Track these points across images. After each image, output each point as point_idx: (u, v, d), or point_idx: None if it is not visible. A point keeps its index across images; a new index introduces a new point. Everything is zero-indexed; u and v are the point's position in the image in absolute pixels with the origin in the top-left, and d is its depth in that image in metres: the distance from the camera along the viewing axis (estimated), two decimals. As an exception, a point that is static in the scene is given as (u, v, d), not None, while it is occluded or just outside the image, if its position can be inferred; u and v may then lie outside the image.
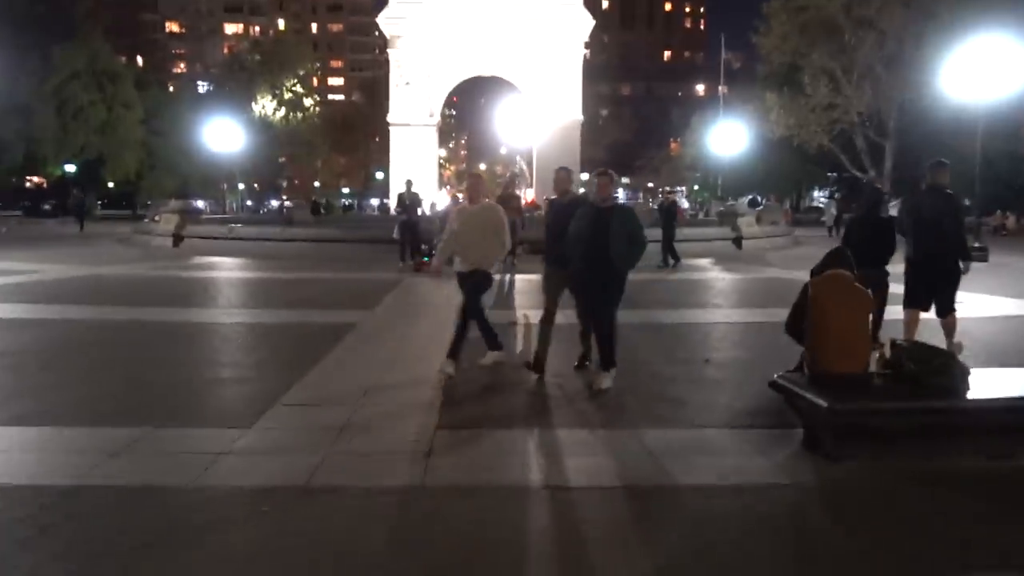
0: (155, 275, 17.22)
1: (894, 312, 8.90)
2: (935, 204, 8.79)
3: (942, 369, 5.67)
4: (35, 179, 72.84)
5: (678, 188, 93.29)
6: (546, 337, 8.18)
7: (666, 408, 6.86)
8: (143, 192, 62.83)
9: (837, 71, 51.42)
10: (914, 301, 8.99)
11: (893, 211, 35.72)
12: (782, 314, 6.57)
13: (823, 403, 5.35)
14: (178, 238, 25.53)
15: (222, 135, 57.65)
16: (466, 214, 8.47)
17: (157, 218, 28.49)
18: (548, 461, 5.50)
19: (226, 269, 18.67)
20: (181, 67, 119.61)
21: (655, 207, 25.81)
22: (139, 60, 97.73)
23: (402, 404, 6.95)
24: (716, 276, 18.11)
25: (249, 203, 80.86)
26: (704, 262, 21.92)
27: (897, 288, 9.04)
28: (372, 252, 20.80)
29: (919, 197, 9.17)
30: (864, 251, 8.77)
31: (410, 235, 19.83)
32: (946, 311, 8.90)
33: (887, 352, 6.03)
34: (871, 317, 6.38)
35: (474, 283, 8.43)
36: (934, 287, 8.89)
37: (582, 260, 7.49)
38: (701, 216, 55.66)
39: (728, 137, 56.37)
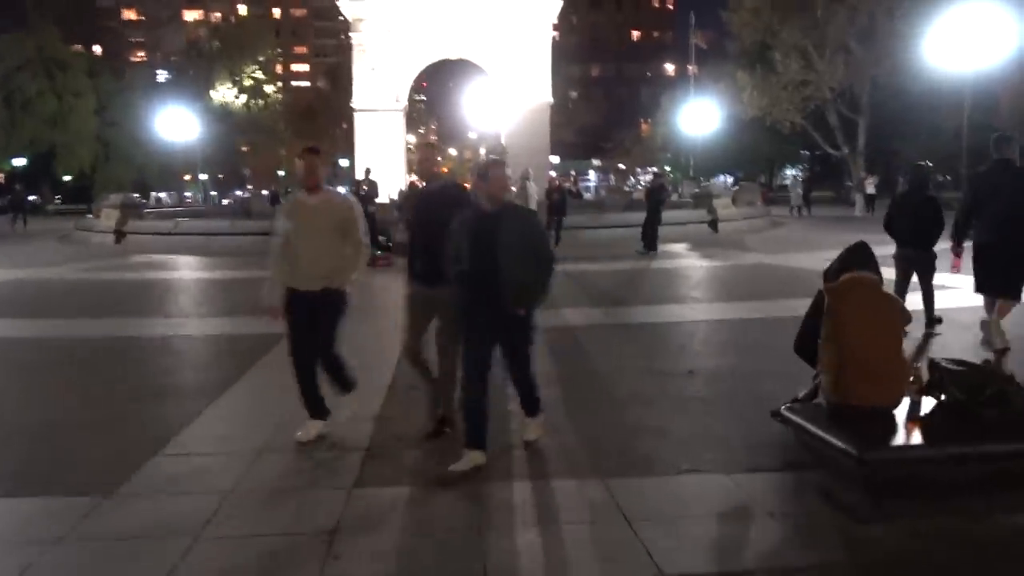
0: (80, 278, 15.65)
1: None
2: (1015, 182, 7.78)
3: (999, 397, 4.37)
4: None
5: (652, 169, 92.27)
6: (428, 384, 6.01)
7: (645, 442, 5.52)
8: (98, 185, 60.48)
9: (809, 47, 50.36)
10: (989, 286, 7.97)
11: (870, 188, 34.87)
12: (771, 308, 5.56)
13: (851, 450, 4.05)
14: (120, 234, 23.85)
15: (178, 124, 55.79)
16: (304, 208, 6.00)
17: (99, 213, 26.68)
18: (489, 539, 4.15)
19: (162, 269, 17.12)
20: (140, 56, 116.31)
21: (639, 188, 24.59)
22: (97, 49, 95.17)
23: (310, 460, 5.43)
24: (694, 264, 16.83)
25: (213, 194, 78.85)
26: (679, 247, 20.69)
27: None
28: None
29: (994, 174, 8.07)
30: (911, 231, 8.59)
31: (366, 226, 18.36)
32: (1015, 295, 7.88)
33: (923, 374, 4.73)
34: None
35: (329, 310, 5.97)
36: (1007, 270, 7.80)
37: (466, 288, 5.23)
38: (673, 198, 54.80)
39: (699, 116, 55.33)
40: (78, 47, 76.01)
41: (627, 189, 53.99)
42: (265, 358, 8.06)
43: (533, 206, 17.77)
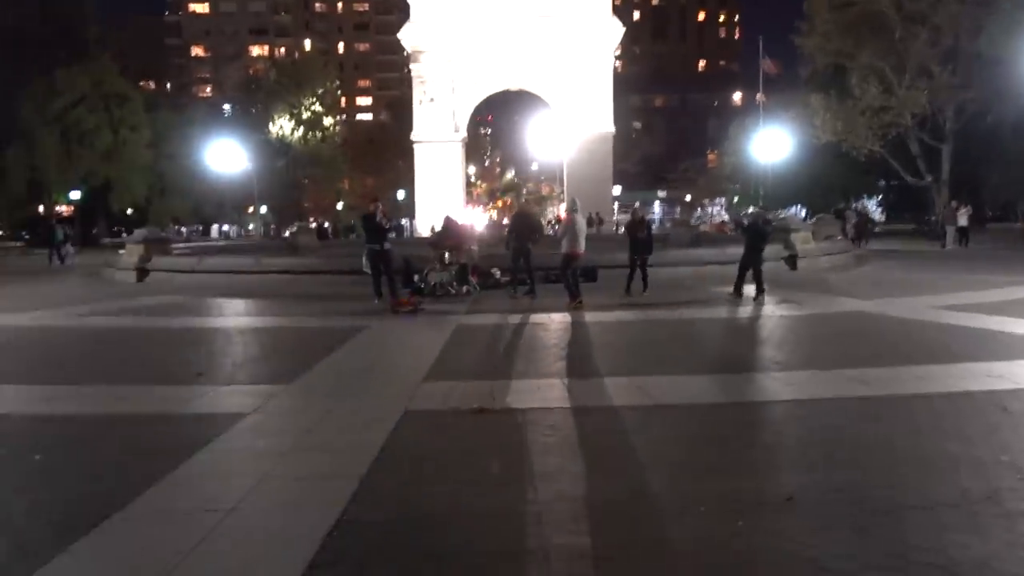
0: (68, 325, 13.78)
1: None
2: None
3: None
4: (63, 208, 70.85)
5: (718, 200, 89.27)
6: None
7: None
8: (153, 218, 60.18)
9: (887, 71, 47.47)
10: None
11: (962, 220, 31.78)
12: (889, 380, 3.75)
13: None
14: (142, 271, 22.28)
15: (233, 157, 55.23)
16: None
17: (122, 250, 25.25)
18: None
19: (164, 314, 15.18)
20: (207, 91, 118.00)
21: (705, 222, 22.03)
22: (167, 85, 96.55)
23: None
24: (774, 312, 14.26)
25: (272, 227, 78.53)
26: (749, 290, 18.10)
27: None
28: (354, 286, 17.30)
29: None
30: None
31: (382, 265, 16.27)
32: None
33: None
34: None
35: None
36: None
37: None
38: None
39: (770, 145, 52.58)
40: (148, 83, 77.07)
41: (693, 222, 51.37)
42: (212, 445, 5.90)
43: (582, 240, 15.42)
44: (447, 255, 17.73)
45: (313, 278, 19.52)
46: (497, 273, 18.94)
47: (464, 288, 17.63)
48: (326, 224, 55.57)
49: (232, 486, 5.28)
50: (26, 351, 11.46)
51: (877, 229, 51.57)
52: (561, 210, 57.54)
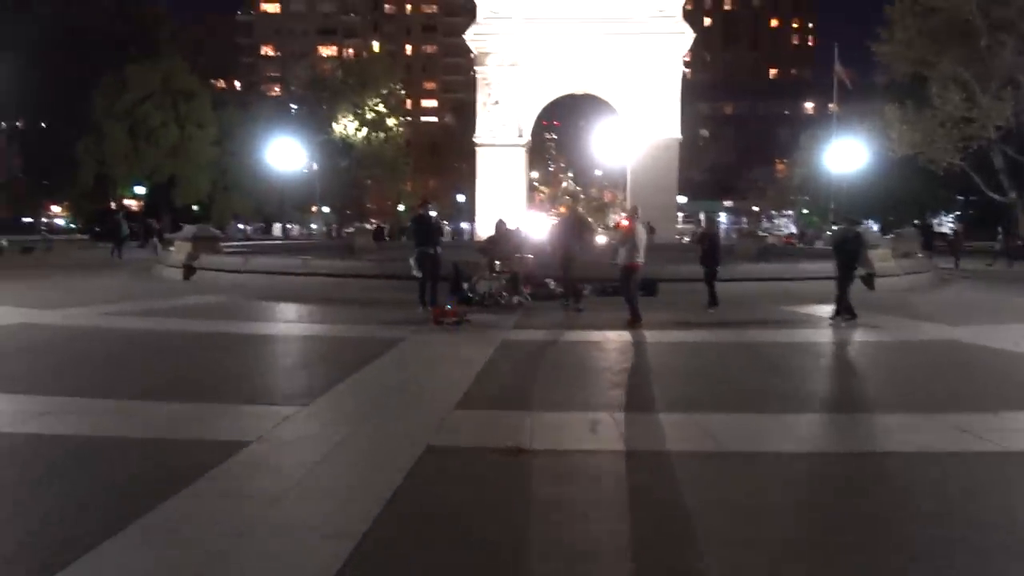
0: (94, 325, 13.09)
1: None
2: None
3: None
4: (131, 202, 71.97)
5: (786, 212, 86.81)
6: None
7: None
8: (216, 214, 60.60)
9: (971, 80, 45.17)
10: None
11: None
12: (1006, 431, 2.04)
13: None
14: (189, 269, 21.75)
15: (294, 155, 55.18)
16: None
17: (171, 247, 24.80)
18: None
19: (197, 317, 14.41)
20: (275, 90, 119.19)
21: (773, 233, 20.57)
22: (236, 84, 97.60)
23: None
24: (856, 337, 12.89)
25: (334, 227, 78.57)
26: (826, 311, 16.70)
27: None
28: (401, 290, 16.42)
29: None
30: None
31: (430, 270, 15.34)
32: None
33: None
34: None
35: None
36: None
37: None
38: (817, 245, 49.88)
39: (843, 156, 50.54)
40: (217, 81, 77.89)
41: (761, 233, 49.50)
42: (203, 480, 4.96)
43: (642, 251, 14.21)
44: (498, 263, 16.67)
45: (359, 282, 18.72)
46: (552, 284, 17.87)
47: (515, 299, 16.54)
48: (383, 225, 55.05)
49: (194, 551, 4.31)
50: (40, 354, 10.74)
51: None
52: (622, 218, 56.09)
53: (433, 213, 17.36)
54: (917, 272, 23.42)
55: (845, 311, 14.59)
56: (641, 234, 14.21)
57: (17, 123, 64.69)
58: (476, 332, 12.81)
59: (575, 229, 17.01)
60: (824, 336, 13.13)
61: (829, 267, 21.34)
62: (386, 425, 6.96)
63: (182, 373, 9.42)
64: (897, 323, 14.32)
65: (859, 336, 12.97)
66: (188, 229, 24.17)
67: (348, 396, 8.17)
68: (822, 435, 6.92)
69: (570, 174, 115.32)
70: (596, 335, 12.69)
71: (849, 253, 14.86)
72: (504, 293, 16.49)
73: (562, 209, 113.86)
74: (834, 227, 19.06)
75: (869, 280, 20.88)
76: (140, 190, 59.51)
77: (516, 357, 10.69)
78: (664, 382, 9.22)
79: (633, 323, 13.54)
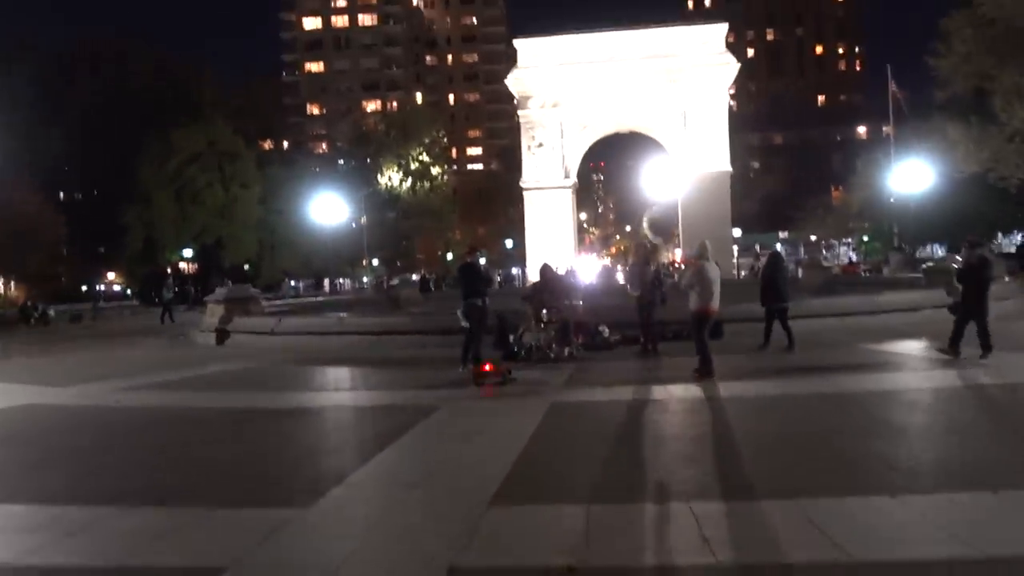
0: (101, 406, 11.82)
1: None
2: None
3: None
4: (184, 265, 72.16)
5: (846, 240, 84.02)
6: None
7: None
8: (264, 273, 60.42)
9: (1038, 92, 42.89)
10: None
11: None
12: None
13: None
14: (222, 333, 20.66)
15: (340, 210, 54.77)
16: None
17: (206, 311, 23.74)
18: None
19: (217, 389, 13.12)
20: (322, 147, 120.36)
21: (838, 262, 18.70)
22: (284, 143, 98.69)
23: None
24: (968, 380, 11.04)
25: (384, 280, 78.00)
26: (916, 347, 14.86)
27: None
28: (441, 346, 15.03)
29: None
30: None
31: (476, 323, 13.89)
32: None
33: None
34: None
35: None
36: None
37: None
38: (884, 273, 47.51)
39: (904, 178, 48.28)
40: (265, 142, 78.67)
41: (826, 264, 47.35)
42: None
43: (716, 293, 12.44)
44: (545, 312, 15.06)
45: (397, 339, 17.37)
46: (606, 331, 16.26)
47: (566, 351, 14.91)
48: (429, 276, 54.12)
49: None
50: (32, 445, 9.47)
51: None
52: (677, 255, 54.48)
53: (483, 260, 15.99)
54: (1005, 299, 21.27)
55: (954, 342, 12.90)
56: (713, 274, 12.44)
57: (62, 193, 65.61)
58: (522, 394, 11.25)
59: (648, 268, 15.66)
60: (933, 381, 11.22)
61: (910, 298, 19.62)
62: (398, 540, 5.43)
63: (172, 464, 8.02)
64: (1010, 360, 12.36)
65: (972, 377, 11.12)
66: (220, 291, 23.15)
67: (358, 495, 6.66)
68: (983, 528, 5.20)
69: (627, 228, 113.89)
70: (660, 392, 11.01)
71: (977, 280, 13.02)
72: (553, 345, 14.88)
73: (614, 250, 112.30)
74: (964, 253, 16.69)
75: (956, 309, 18.94)
76: (188, 252, 59.52)
77: (567, 426, 9.09)
78: (748, 453, 7.53)
79: (703, 375, 11.86)
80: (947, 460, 7.09)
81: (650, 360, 14.56)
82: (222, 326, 20.82)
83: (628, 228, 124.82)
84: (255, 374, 14.94)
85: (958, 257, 19.17)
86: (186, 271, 63.80)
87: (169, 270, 59.75)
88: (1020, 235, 66.51)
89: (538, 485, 6.60)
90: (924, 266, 24.72)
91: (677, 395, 10.74)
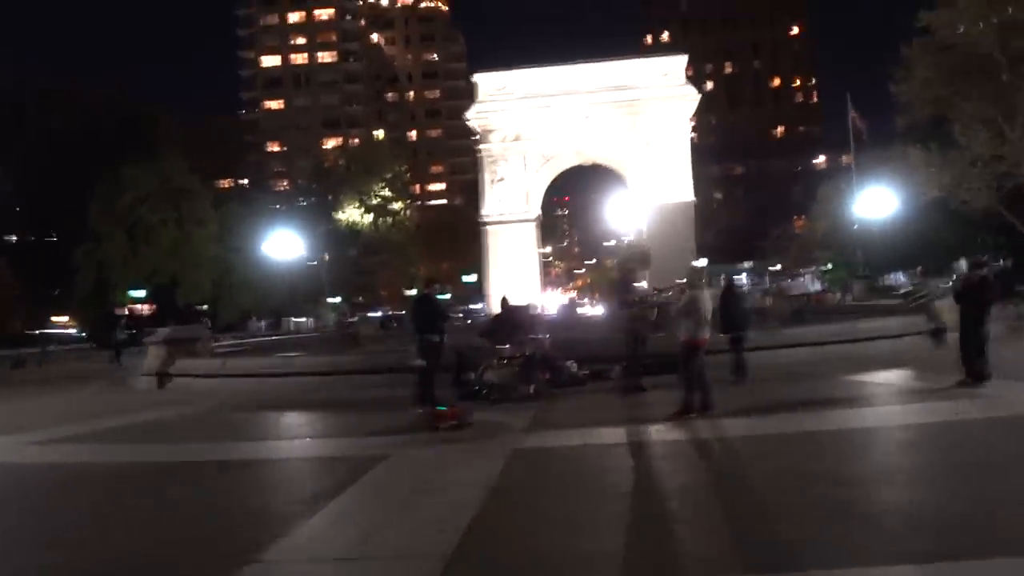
0: (7, 463, 10.51)
1: None
2: None
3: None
4: (142, 306, 69.82)
5: (809, 269, 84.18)
6: None
7: None
8: (221, 312, 58.66)
9: (997, 117, 43.01)
10: None
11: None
12: None
13: None
14: (163, 377, 19.28)
15: (296, 246, 53.46)
16: None
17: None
18: None
19: (145, 440, 11.80)
20: (283, 184, 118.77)
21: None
22: (245, 181, 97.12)
23: None
24: (967, 412, 10.10)
25: (344, 317, 76.48)
26: (899, 377, 13.97)
27: None
28: (397, 385, 13.84)
29: None
30: None
31: (432, 361, 12.77)
32: None
33: None
34: None
35: None
36: None
37: None
38: (848, 300, 47.09)
39: (868, 204, 48.23)
40: (225, 181, 77.16)
41: (797, 292, 46.88)
42: None
43: (706, 323, 11.31)
44: (507, 347, 13.94)
45: (350, 379, 16.16)
46: (573, 367, 15.19)
47: (530, 388, 13.82)
48: (390, 312, 52.87)
49: None
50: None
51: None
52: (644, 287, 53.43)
53: (447, 296, 14.81)
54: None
55: (974, 375, 12.05)
56: (705, 303, 11.27)
57: (14, 237, 63.54)
58: (482, 439, 10.10)
59: (635, 289, 14.24)
60: (930, 415, 10.25)
61: (890, 324, 18.83)
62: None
63: (58, 534, 6.76)
64: (1004, 388, 11.48)
65: (969, 410, 10.18)
66: (161, 331, 21.72)
67: (276, 573, 5.50)
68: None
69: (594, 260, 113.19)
70: (638, 433, 9.88)
71: (977, 301, 12.17)
72: (516, 383, 13.75)
73: (580, 283, 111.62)
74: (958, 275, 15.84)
75: (938, 335, 18.21)
76: (141, 293, 57.66)
77: (531, 477, 7.96)
78: (743, 508, 6.46)
79: (685, 413, 10.77)
80: (950, 513, 6.05)
81: (628, 397, 13.37)
82: (163, 369, 19.42)
83: (593, 261, 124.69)
84: (189, 422, 13.63)
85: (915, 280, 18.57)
86: (142, 312, 61.88)
87: (127, 310, 57.86)
88: (1003, 260, 66.96)
89: (493, 560, 5.47)
90: (903, 291, 24.06)
91: (657, 438, 9.66)
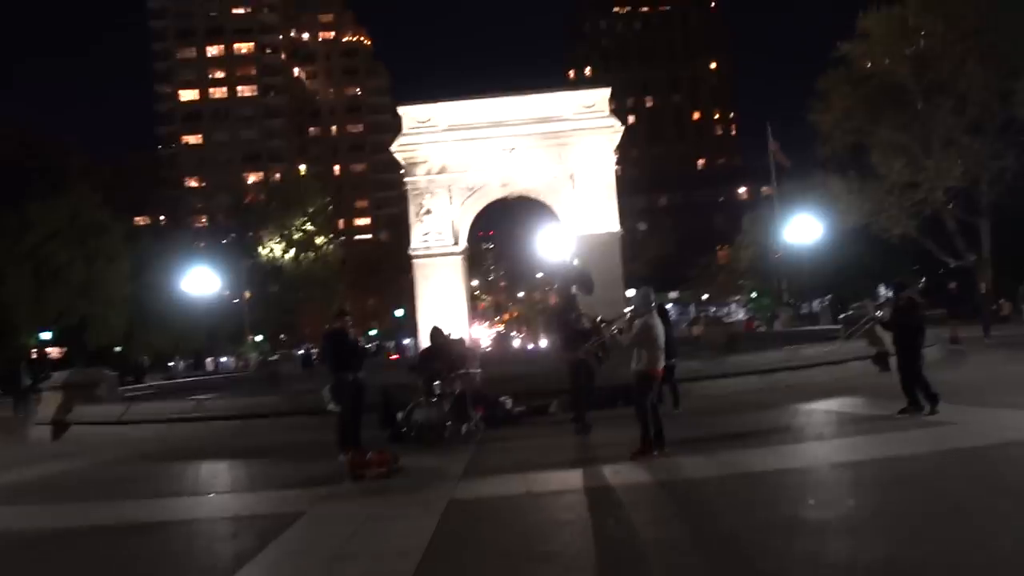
0: None
1: None
2: None
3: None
4: (53, 349, 65.69)
5: (735, 298, 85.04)
6: None
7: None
8: (135, 354, 55.83)
9: (913, 145, 44.06)
10: None
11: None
12: None
13: None
14: (60, 425, 17.56)
15: (213, 284, 51.42)
16: None
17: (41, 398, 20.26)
18: None
19: (18, 502, 10.33)
20: (202, 220, 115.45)
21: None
22: (162, 218, 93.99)
23: None
24: (930, 440, 9.45)
25: (273, 357, 74.20)
26: (850, 404, 13.35)
27: None
28: (320, 428, 12.59)
29: None
30: None
31: (347, 403, 11.61)
32: None
33: None
34: None
35: None
36: None
37: None
38: (776, 326, 47.33)
39: (791, 233, 48.85)
40: (142, 218, 73.95)
41: (728, 321, 46.94)
42: None
43: (661, 351, 10.34)
44: (437, 384, 12.77)
45: (268, 423, 14.85)
46: (508, 403, 14.19)
47: (463, 428, 12.74)
48: (312, 350, 50.99)
49: None
50: None
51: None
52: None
53: (372, 332, 13.55)
54: (928, 345, 20.32)
55: (923, 399, 11.44)
56: (658, 330, 10.27)
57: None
58: (412, 488, 8.97)
59: (576, 318, 13.01)
60: (895, 446, 9.50)
61: (831, 350, 18.36)
62: None
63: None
64: (956, 413, 10.87)
65: (895, 443, 9.47)
66: (57, 376, 19.82)
67: None
68: None
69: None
70: (590, 478, 8.89)
71: (907, 326, 11.64)
72: (448, 423, 12.63)
73: (508, 316, 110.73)
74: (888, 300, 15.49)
75: (881, 360, 17.77)
76: (47, 335, 54.47)
77: (472, 536, 6.83)
78: (726, 568, 5.52)
79: (646, 451, 9.82)
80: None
81: (573, 437, 12.33)
82: (59, 417, 17.68)
83: (521, 294, 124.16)
84: (73, 478, 12.00)
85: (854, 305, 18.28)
86: (51, 356, 58.56)
87: (34, 355, 54.58)
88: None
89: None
90: (843, 316, 23.70)
91: (612, 481, 8.65)
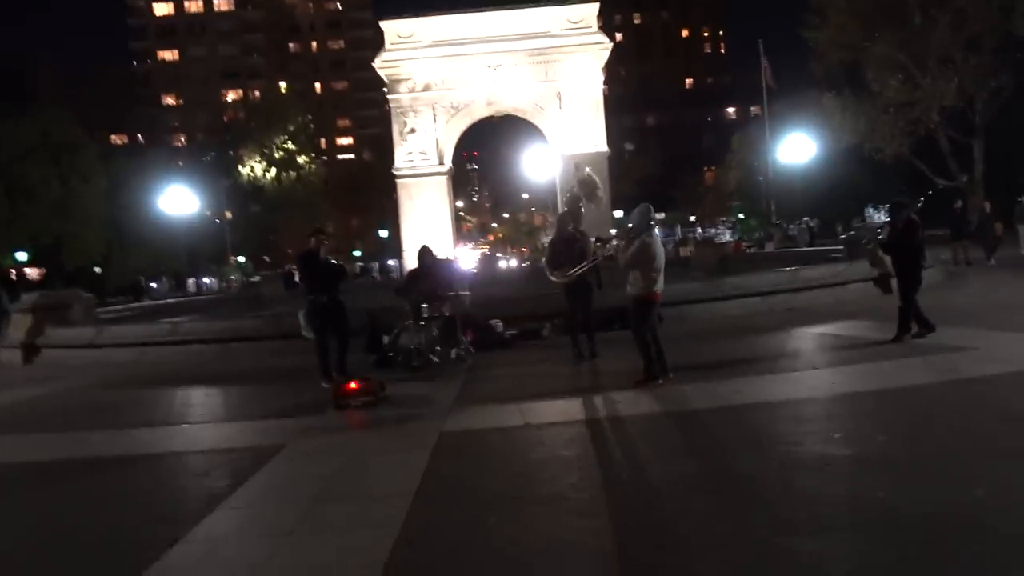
0: None
1: None
2: None
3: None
4: (32, 270, 64.40)
5: (721, 219, 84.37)
6: None
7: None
8: (113, 275, 54.83)
9: (908, 62, 43.03)
10: None
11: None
12: None
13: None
14: (31, 348, 16.87)
15: (193, 203, 50.21)
16: None
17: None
18: None
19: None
20: (181, 139, 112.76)
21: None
22: (139, 136, 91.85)
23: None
24: (935, 366, 8.87)
25: (255, 278, 73.38)
26: (854, 328, 12.78)
27: None
28: (305, 355, 11.91)
29: None
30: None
31: (332, 326, 10.95)
32: None
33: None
34: None
35: None
36: None
37: None
38: (769, 248, 46.78)
39: (789, 150, 47.91)
40: (118, 136, 71.89)
41: (719, 242, 46.23)
42: None
43: (660, 272, 9.58)
44: (424, 307, 12.04)
45: (248, 346, 14.19)
46: (499, 326, 13.56)
47: (453, 352, 12.11)
48: (293, 270, 50.21)
49: None
50: None
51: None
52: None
53: (357, 253, 12.72)
54: (930, 266, 19.74)
55: (921, 324, 10.82)
56: (658, 251, 9.54)
57: None
58: (400, 420, 8.37)
59: (575, 243, 11.99)
60: (918, 373, 8.92)
61: (833, 272, 17.77)
62: None
63: None
64: (966, 335, 10.33)
65: (942, 365, 8.93)
66: (27, 298, 19.03)
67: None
68: None
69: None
70: (591, 407, 8.29)
71: (906, 247, 10.98)
72: (437, 347, 11.99)
73: (492, 238, 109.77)
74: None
75: (883, 282, 17.20)
76: (23, 256, 53.32)
77: (467, 473, 6.22)
78: (746, 513, 4.95)
79: (650, 379, 9.27)
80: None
81: (569, 362, 11.66)
82: (29, 340, 16.97)
83: (506, 215, 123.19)
84: (48, 407, 11.34)
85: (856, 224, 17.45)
86: (29, 276, 57.48)
87: (13, 275, 53.54)
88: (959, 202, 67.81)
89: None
90: (843, 236, 23.11)
91: (614, 411, 8.05)
